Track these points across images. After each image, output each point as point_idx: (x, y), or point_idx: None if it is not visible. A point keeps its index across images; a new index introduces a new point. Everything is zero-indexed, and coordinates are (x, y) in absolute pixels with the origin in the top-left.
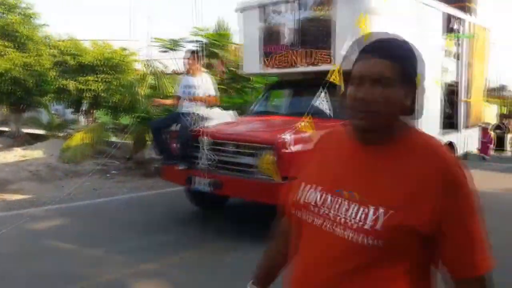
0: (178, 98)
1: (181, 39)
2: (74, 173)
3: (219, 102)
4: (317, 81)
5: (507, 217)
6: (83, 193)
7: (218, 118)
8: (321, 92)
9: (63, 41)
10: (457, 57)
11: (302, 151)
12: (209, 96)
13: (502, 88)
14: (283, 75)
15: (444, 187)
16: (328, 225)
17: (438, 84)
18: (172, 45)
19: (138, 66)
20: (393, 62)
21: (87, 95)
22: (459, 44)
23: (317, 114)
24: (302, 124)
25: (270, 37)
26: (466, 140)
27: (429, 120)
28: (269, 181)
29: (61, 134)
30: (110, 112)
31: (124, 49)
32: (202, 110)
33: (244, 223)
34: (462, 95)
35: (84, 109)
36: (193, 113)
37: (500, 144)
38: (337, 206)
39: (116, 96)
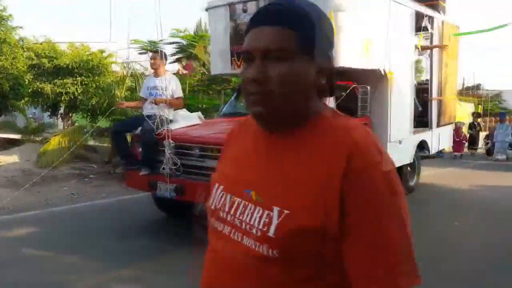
0: (144, 100)
1: (160, 40)
2: (51, 178)
3: (184, 103)
4: None
5: (485, 214)
6: (61, 198)
7: (184, 120)
8: None
9: (40, 43)
10: (429, 55)
11: None
12: (176, 97)
13: (477, 87)
14: None
15: (351, 173)
16: (236, 234)
17: (409, 83)
18: (151, 47)
19: (117, 68)
20: (288, 28)
21: (64, 98)
22: (430, 42)
23: None
24: None
25: (239, 36)
26: (439, 139)
27: (400, 119)
28: None
29: (38, 139)
30: (88, 115)
31: (102, 51)
32: (166, 112)
33: None
34: (434, 93)
35: (61, 112)
36: (157, 115)
37: (473, 142)
38: (244, 210)
39: (94, 99)
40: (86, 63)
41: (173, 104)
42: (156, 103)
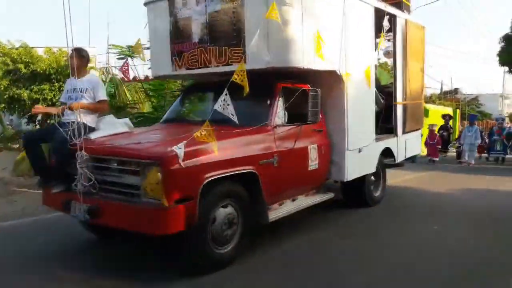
0: (64, 105)
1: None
2: (29, 187)
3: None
4: (236, 83)
5: (461, 216)
6: (38, 208)
7: (108, 128)
8: (224, 95)
9: (16, 48)
10: (393, 58)
11: (198, 165)
12: (98, 101)
13: (455, 91)
14: (196, 77)
15: None
16: None
17: (370, 87)
18: (130, 52)
19: (96, 73)
20: None
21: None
22: (393, 43)
23: (226, 121)
24: (201, 133)
25: (180, 33)
26: (406, 146)
27: (360, 125)
28: (154, 206)
29: (15, 146)
30: None
31: None
32: (86, 119)
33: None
34: (398, 98)
35: (39, 119)
36: (74, 122)
37: (445, 145)
38: None
39: None
40: (64, 69)
41: (94, 109)
42: (71, 109)
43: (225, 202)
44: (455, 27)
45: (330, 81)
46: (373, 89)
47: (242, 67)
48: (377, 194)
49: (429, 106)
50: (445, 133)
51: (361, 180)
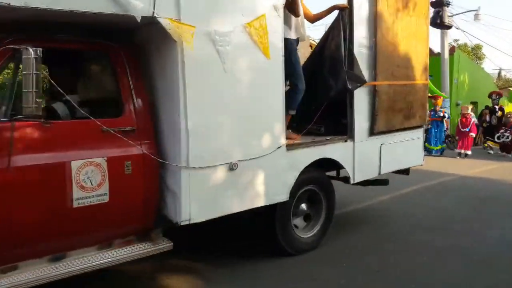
0: None
1: None
2: None
3: None
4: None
5: None
6: None
7: None
8: None
9: None
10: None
11: None
12: None
13: None
14: None
15: None
16: None
17: (266, 55)
18: None
19: None
20: None
21: None
22: None
23: None
24: None
25: None
26: (383, 154)
27: (238, 123)
28: None
29: None
30: None
31: None
32: None
33: None
34: (368, 74)
35: None
36: None
37: (490, 134)
38: None
39: None
40: None
41: None
42: None
43: None
44: None
45: (156, 41)
46: (279, 59)
47: None
48: (309, 234)
49: None
50: (491, 120)
51: (270, 214)
